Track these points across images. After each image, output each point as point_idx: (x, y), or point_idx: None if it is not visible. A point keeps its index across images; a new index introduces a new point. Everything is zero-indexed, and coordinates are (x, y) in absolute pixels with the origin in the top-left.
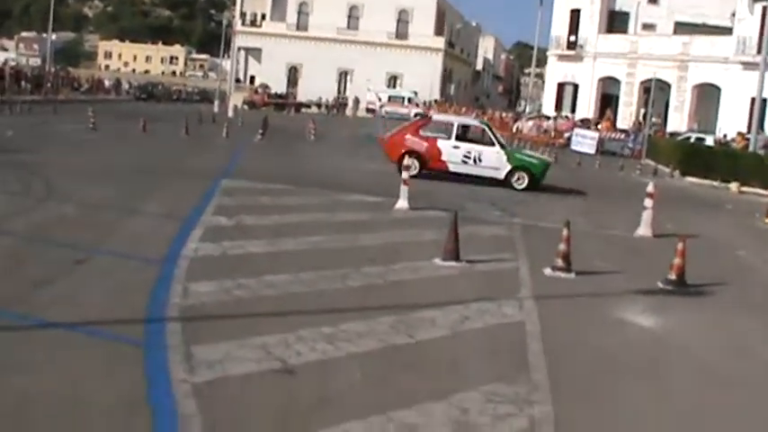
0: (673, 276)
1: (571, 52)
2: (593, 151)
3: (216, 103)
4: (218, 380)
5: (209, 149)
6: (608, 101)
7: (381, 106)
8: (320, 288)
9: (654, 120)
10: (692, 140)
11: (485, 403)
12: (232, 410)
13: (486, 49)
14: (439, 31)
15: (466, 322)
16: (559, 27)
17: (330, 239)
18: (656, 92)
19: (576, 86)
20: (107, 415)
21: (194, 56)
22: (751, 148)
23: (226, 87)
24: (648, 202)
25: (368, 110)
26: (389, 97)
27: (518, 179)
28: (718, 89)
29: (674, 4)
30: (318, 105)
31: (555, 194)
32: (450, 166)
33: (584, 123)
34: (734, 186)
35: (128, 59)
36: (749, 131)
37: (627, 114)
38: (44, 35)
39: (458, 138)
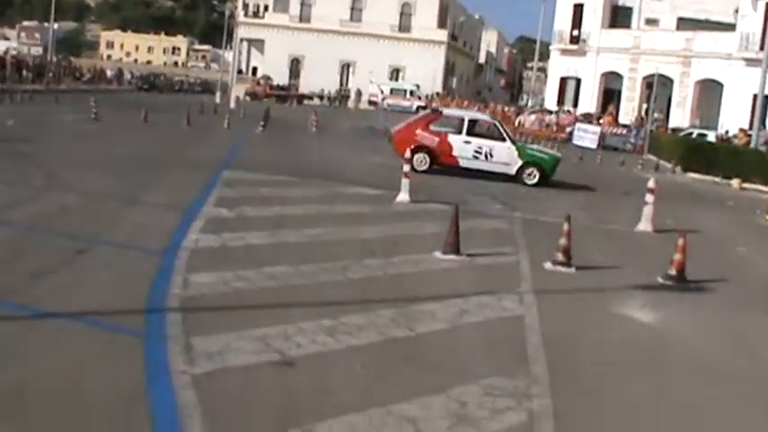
0: (673, 272)
1: (574, 47)
2: (594, 146)
3: (218, 94)
4: (217, 371)
5: (210, 140)
6: (610, 96)
7: (383, 99)
8: (320, 280)
9: (656, 115)
10: (694, 136)
11: (484, 396)
12: (231, 402)
13: (488, 42)
14: (442, 23)
15: (466, 316)
16: (562, 21)
17: (331, 232)
18: (658, 87)
19: (578, 81)
20: (106, 405)
21: (196, 47)
22: (753, 145)
23: (228, 78)
24: (649, 198)
25: (370, 102)
26: (392, 90)
27: (529, 174)
28: (720, 85)
29: (677, 0)
30: (320, 97)
31: (557, 189)
32: (461, 162)
33: (586, 118)
34: (735, 183)
35: (130, 50)
36: (751, 128)
37: (629, 109)
38: (46, 24)
39: (468, 133)
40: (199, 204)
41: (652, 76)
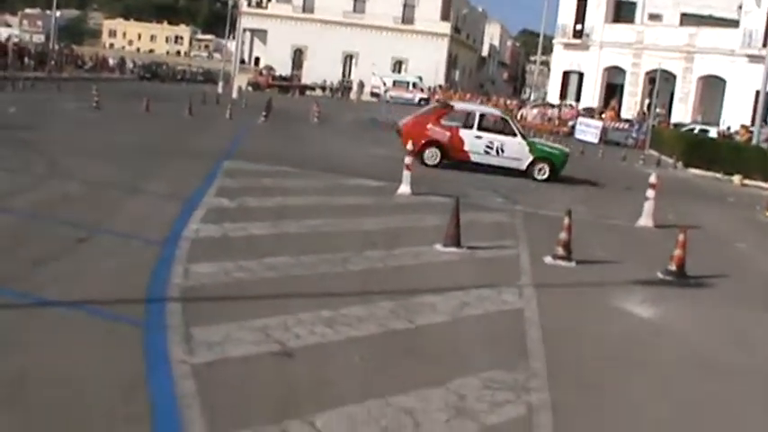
0: (673, 267)
1: (577, 41)
2: (596, 141)
3: (220, 84)
4: (217, 361)
5: (212, 130)
6: (613, 90)
7: (386, 91)
8: (321, 271)
9: (658, 110)
10: (696, 132)
11: (483, 389)
12: (231, 392)
13: (491, 35)
14: (445, 16)
15: (466, 308)
16: (566, 15)
17: (331, 223)
18: (660, 82)
19: (581, 75)
20: (105, 394)
21: (199, 36)
22: (754, 141)
23: (230, 68)
24: (651, 193)
25: (372, 94)
26: (394, 82)
27: (540, 170)
28: (723, 81)
29: None
30: (323, 88)
31: (558, 184)
32: (472, 157)
33: (589, 112)
34: (736, 179)
35: (132, 38)
36: (753, 124)
37: (631, 104)
38: (48, 12)
39: (479, 128)
40: (200, 194)
41: (655, 71)
